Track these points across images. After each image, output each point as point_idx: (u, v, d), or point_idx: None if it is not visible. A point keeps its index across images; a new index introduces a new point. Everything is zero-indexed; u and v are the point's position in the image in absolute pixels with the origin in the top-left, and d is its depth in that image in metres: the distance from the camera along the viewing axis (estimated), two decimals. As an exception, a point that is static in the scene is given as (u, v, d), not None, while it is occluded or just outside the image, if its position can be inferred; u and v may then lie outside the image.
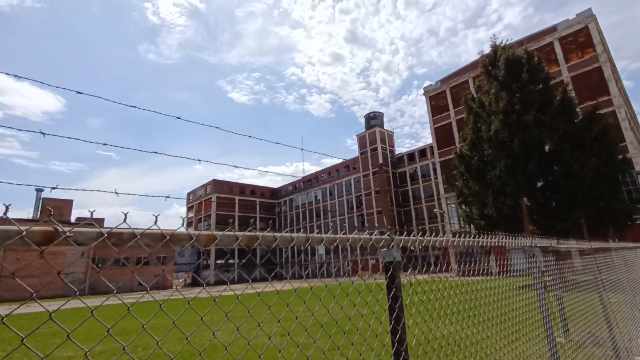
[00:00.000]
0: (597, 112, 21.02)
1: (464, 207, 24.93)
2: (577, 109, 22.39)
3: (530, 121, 20.54)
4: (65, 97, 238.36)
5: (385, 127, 78.63)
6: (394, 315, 1.88)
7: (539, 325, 3.50)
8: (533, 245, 3.32)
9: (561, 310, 7.02)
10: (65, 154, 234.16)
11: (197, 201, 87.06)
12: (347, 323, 9.09)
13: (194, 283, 74.74)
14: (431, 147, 57.01)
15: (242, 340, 8.42)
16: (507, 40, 24.80)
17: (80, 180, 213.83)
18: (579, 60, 33.07)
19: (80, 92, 1.70)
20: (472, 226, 23.58)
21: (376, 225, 68.69)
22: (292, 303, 1.68)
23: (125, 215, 1.07)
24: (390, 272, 1.94)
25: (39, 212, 58.51)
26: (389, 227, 65.77)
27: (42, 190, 60.82)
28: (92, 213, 1.06)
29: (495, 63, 23.76)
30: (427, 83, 46.47)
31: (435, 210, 55.01)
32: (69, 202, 61.13)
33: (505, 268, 3.37)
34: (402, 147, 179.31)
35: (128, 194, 1.42)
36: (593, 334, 5.91)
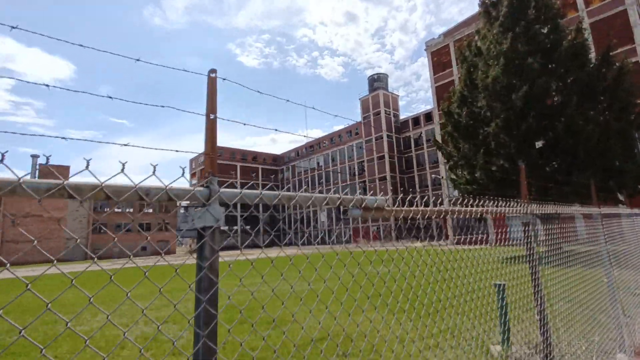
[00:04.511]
0: (612, 54, 17.66)
1: (457, 172, 22.38)
2: (591, 56, 19.01)
3: (536, 67, 17.32)
4: (75, 63, 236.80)
5: (399, 91, 74.85)
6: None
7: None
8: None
9: (502, 308, 4.78)
10: (79, 123, 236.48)
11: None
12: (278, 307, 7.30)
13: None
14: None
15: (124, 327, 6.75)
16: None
17: (94, 148, 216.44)
18: (602, 3, 28.71)
19: (82, 45, 1.71)
20: (458, 193, 21.20)
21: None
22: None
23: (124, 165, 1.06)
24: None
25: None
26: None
27: (37, 157, 60.43)
28: (123, 165, 1.04)
29: (496, 2, 20.31)
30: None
31: (433, 176, 52.48)
32: (66, 168, 60.67)
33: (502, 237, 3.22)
34: (416, 111, 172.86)
35: (136, 146, 1.36)
36: (537, 346, 3.78)
